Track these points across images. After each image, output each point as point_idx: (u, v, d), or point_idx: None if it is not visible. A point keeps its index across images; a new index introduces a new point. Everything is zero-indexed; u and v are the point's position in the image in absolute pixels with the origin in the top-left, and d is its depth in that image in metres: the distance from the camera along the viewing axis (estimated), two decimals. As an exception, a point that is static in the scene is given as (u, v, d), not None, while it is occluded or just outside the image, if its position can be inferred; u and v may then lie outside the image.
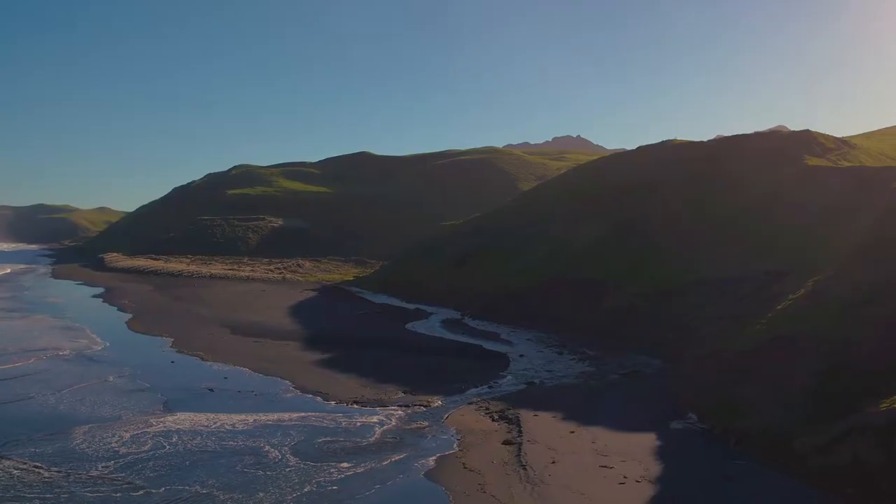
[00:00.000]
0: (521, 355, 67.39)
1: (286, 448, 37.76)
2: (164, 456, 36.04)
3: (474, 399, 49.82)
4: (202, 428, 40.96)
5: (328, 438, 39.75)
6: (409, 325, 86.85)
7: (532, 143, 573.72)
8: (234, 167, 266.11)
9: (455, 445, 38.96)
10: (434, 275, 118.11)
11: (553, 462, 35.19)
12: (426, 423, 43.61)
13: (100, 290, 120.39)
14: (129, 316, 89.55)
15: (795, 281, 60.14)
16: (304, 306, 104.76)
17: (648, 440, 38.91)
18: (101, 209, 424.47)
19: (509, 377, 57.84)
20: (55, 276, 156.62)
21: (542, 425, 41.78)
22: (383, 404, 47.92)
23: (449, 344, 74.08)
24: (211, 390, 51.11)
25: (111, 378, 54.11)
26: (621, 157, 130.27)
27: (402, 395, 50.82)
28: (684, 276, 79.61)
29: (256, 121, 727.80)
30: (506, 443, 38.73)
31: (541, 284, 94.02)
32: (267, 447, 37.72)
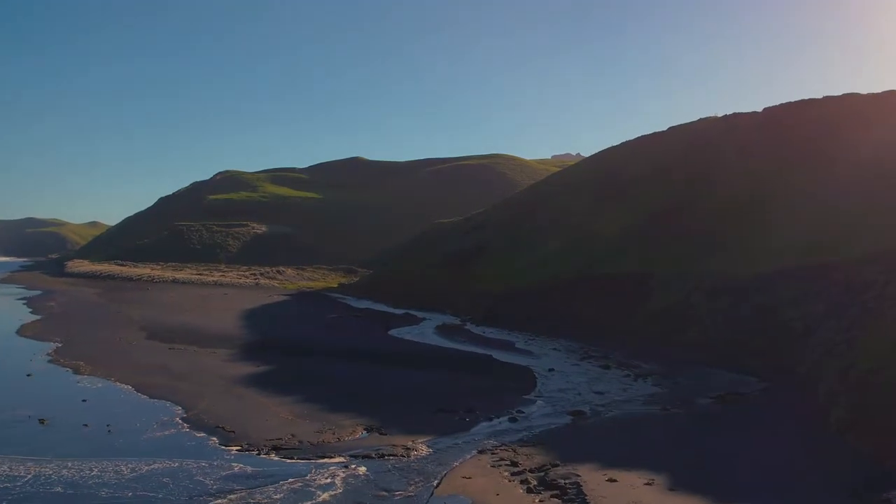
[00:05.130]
0: (550, 370, 46.24)
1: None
2: None
3: (489, 442, 28.62)
4: None
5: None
6: (392, 332, 65.66)
7: (530, 160, 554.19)
8: (219, 173, 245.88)
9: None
10: (427, 276, 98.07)
11: None
12: (400, 494, 22.51)
13: (35, 293, 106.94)
14: (36, 318, 72.06)
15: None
16: (266, 310, 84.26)
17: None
18: (93, 223, 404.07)
19: (540, 402, 36.62)
20: (3, 282, 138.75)
21: (632, 504, 20.51)
22: (324, 452, 26.65)
23: (446, 354, 52.98)
24: (41, 421, 30.31)
25: None
26: (648, 139, 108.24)
27: (364, 433, 29.56)
28: (757, 266, 59.71)
29: (249, 130, 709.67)
30: (570, 556, 17.45)
31: (560, 283, 75.32)
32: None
